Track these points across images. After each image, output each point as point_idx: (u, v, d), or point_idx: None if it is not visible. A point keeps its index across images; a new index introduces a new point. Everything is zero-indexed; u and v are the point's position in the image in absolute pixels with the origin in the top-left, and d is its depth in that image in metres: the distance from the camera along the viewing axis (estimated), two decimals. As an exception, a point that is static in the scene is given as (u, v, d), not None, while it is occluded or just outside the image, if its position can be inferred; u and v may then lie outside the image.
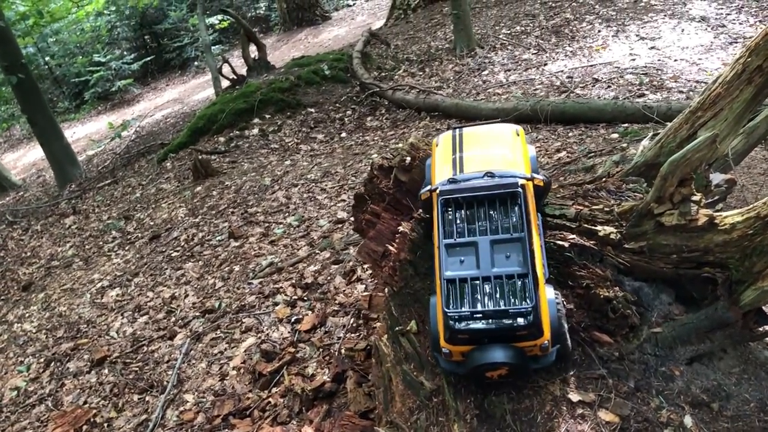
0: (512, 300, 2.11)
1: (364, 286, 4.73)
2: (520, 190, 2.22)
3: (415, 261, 3.01)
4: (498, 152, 2.40)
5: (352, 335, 4.20)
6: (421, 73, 10.76)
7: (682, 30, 9.62)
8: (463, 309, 2.13)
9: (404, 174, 3.49)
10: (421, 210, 3.02)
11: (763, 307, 2.46)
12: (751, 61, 2.89)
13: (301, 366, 4.11)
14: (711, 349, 2.51)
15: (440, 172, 2.51)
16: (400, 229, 3.10)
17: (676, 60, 8.34)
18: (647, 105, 6.01)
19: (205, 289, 5.51)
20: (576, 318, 2.59)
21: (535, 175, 2.35)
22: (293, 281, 5.09)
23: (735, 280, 2.43)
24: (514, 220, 2.23)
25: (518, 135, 2.47)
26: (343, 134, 9.02)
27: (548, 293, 2.20)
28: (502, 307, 2.11)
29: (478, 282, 2.18)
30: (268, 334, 4.56)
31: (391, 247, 3.24)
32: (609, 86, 7.70)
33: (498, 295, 2.13)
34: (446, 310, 2.15)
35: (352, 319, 4.33)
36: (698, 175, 3.08)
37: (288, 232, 6.05)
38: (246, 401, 3.98)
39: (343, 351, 4.01)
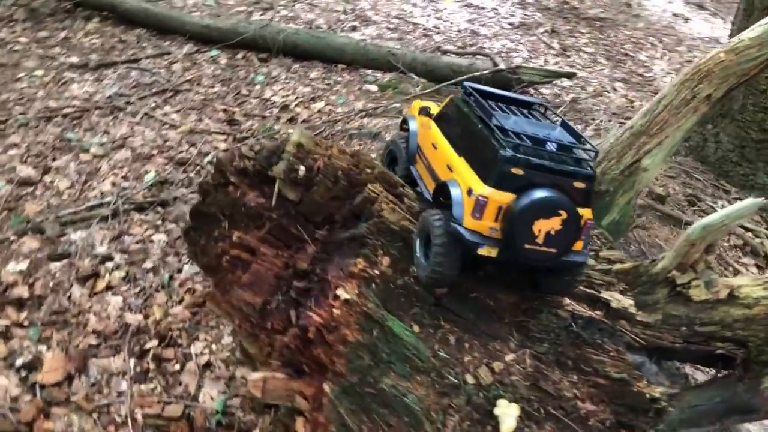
0: (575, 152, 2.06)
1: (121, 298, 3.36)
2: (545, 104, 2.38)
3: (372, 344, 2.08)
4: None
5: (144, 388, 2.93)
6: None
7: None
8: (524, 140, 2.03)
9: (295, 190, 2.38)
10: (360, 262, 2.08)
11: None
12: (701, 89, 2.66)
13: (70, 448, 2.72)
14: (716, 432, 2.33)
15: None
16: (343, 296, 2.11)
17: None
18: (392, 52, 5.55)
19: None
20: (599, 416, 2.11)
21: None
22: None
23: (756, 361, 2.23)
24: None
25: None
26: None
27: None
28: (568, 143, 2.03)
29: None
30: (-23, 393, 2.91)
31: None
32: (312, 9, 6.94)
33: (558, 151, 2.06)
34: (497, 127, 2.03)
35: (133, 360, 3.03)
36: (627, 207, 2.81)
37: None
38: None
39: (139, 418, 2.77)
